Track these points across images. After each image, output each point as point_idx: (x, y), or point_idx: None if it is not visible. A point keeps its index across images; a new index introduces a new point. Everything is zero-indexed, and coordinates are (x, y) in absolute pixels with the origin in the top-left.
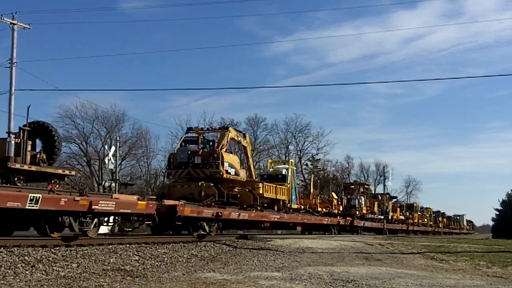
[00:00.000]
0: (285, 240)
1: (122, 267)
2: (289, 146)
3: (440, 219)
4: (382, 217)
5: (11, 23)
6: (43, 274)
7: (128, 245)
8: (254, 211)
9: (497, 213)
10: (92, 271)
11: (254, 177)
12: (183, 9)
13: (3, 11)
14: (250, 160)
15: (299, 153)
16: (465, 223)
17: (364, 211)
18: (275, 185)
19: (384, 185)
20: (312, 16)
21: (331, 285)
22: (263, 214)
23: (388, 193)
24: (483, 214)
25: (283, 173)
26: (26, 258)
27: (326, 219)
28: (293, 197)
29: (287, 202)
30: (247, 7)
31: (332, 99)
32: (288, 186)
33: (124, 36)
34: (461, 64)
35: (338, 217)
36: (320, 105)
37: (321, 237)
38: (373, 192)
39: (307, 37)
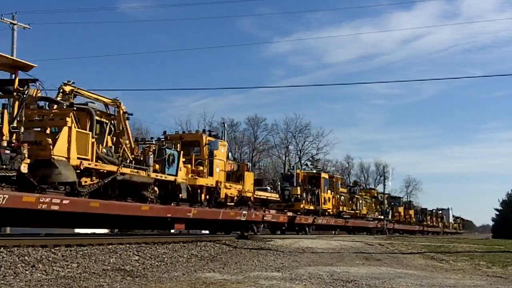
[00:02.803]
0: (285, 240)
1: (122, 267)
2: (289, 146)
3: (401, 210)
4: (382, 216)
5: (11, 23)
6: (43, 274)
7: (128, 245)
8: None
9: (497, 213)
10: (92, 271)
11: None
12: (182, 10)
13: (3, 11)
14: None
15: (299, 153)
16: (451, 219)
17: None
18: None
19: (384, 185)
20: (310, 17)
21: (331, 285)
22: None
23: (388, 193)
24: (483, 214)
25: None
26: (26, 258)
27: None
28: None
29: None
30: (245, 8)
31: (330, 99)
32: None
33: (124, 36)
34: (459, 65)
35: None
36: (318, 106)
37: (321, 237)
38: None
39: (305, 37)
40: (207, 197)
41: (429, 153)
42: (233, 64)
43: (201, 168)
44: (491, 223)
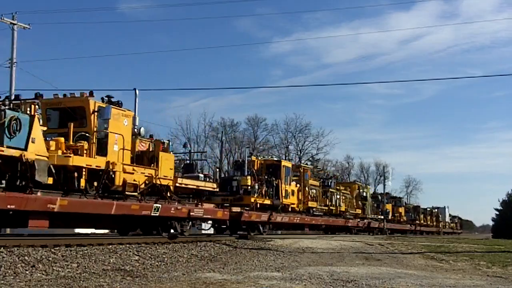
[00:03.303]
0: (285, 240)
1: (122, 267)
2: (289, 146)
3: (389, 208)
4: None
5: (11, 23)
6: (43, 274)
7: (128, 245)
8: None
9: (497, 213)
10: (92, 271)
11: None
12: (182, 10)
13: (3, 11)
14: None
15: (299, 153)
16: (447, 218)
17: None
18: None
19: (384, 185)
20: (310, 17)
21: (331, 285)
22: None
23: (388, 193)
24: (483, 214)
25: None
26: (26, 258)
27: None
28: None
29: None
30: (245, 8)
31: (330, 99)
32: None
33: (124, 36)
34: (459, 65)
35: None
36: (318, 106)
37: (321, 237)
38: None
39: (305, 37)
40: (96, 184)
41: (429, 153)
42: (233, 64)
43: (83, 143)
44: (491, 223)
